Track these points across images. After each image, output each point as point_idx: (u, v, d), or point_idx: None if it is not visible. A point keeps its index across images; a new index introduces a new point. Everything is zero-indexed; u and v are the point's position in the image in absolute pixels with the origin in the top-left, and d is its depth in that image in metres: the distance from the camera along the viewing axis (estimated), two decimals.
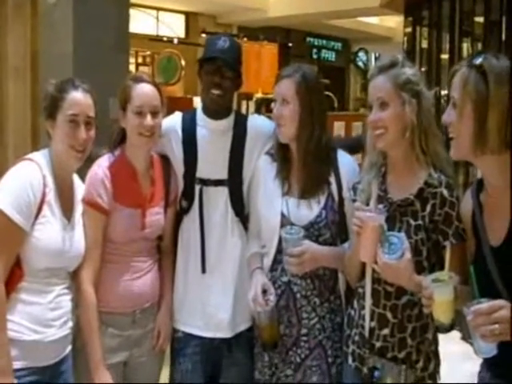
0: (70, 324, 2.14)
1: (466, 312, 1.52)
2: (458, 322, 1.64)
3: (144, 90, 2.21)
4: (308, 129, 2.16)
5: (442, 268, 1.71)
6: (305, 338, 2.17)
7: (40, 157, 2.08)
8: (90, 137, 2.10)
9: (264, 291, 2.13)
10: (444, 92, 7.31)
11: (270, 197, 2.24)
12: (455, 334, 1.75)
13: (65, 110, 2.07)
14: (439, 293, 1.65)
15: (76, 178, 2.23)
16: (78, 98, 2.08)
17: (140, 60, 13.04)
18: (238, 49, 2.38)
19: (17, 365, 1.95)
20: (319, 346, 2.16)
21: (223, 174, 2.34)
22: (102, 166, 2.23)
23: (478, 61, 1.60)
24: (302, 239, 2.07)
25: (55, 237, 2.04)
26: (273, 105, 2.31)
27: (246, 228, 2.37)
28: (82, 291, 2.16)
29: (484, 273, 1.62)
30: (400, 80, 1.89)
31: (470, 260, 1.74)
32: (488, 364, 1.71)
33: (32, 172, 2.01)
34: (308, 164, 2.20)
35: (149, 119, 2.18)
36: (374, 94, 1.93)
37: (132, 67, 11.00)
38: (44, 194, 2.01)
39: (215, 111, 2.34)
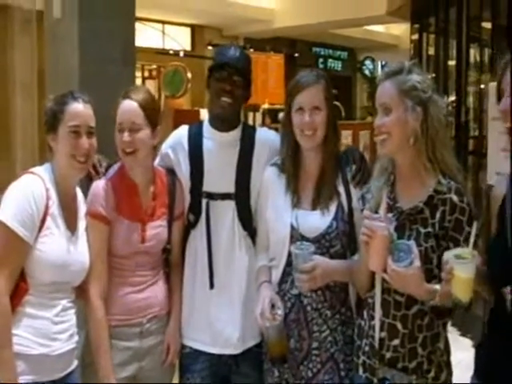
0: (77, 338, 2.13)
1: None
2: (470, 328, 1.63)
3: (125, 108, 2.23)
4: (334, 133, 2.19)
5: None
6: (316, 352, 2.12)
7: (42, 170, 2.08)
8: (93, 146, 2.11)
9: (272, 305, 2.09)
10: (452, 98, 7.26)
11: (278, 209, 2.20)
12: (466, 342, 1.73)
13: (66, 121, 2.07)
14: (460, 269, 1.65)
15: (79, 192, 2.23)
16: (79, 109, 2.09)
17: (146, 74, 13.10)
18: (247, 59, 2.39)
19: (24, 380, 1.93)
20: (331, 359, 2.11)
21: (230, 188, 2.31)
22: (103, 177, 2.26)
23: None
24: (312, 254, 2.03)
25: (59, 249, 2.03)
26: (281, 115, 2.30)
27: (253, 242, 2.33)
28: (90, 305, 2.15)
29: (505, 250, 1.66)
30: (405, 86, 1.87)
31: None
32: (478, 373, 1.74)
33: (34, 185, 2.01)
34: (325, 171, 2.18)
35: (126, 135, 2.19)
36: (379, 100, 1.92)
37: (138, 81, 11.06)
38: (47, 207, 2.01)
39: (222, 121, 2.32)
